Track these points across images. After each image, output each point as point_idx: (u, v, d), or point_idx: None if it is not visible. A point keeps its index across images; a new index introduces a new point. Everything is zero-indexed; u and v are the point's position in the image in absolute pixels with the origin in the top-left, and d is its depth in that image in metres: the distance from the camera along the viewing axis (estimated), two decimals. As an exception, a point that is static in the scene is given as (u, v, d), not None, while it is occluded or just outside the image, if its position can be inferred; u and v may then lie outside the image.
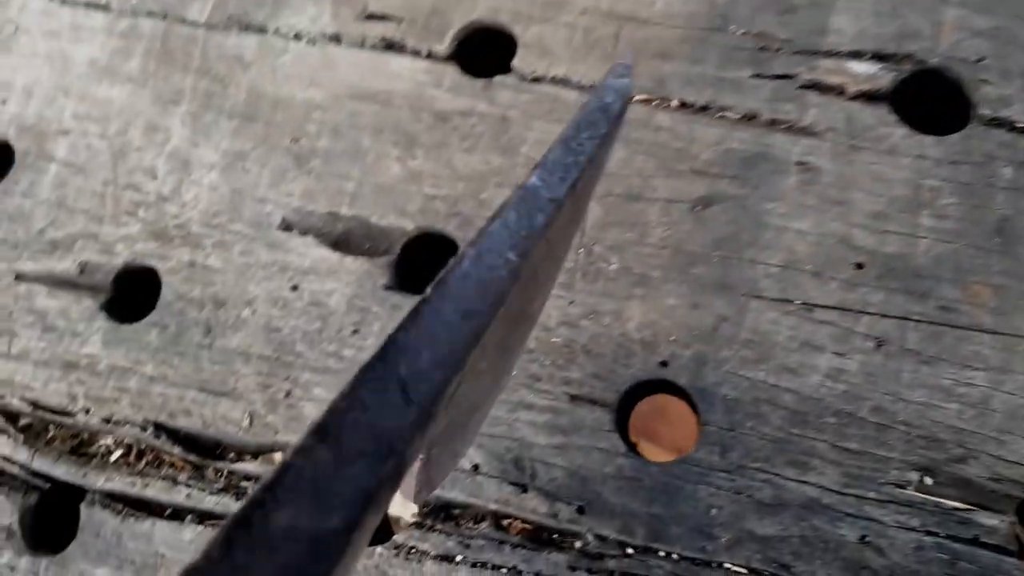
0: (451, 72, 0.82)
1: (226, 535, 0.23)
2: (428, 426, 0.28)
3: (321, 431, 0.25)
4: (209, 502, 0.74)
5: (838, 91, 0.76)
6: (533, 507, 0.69)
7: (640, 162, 0.76)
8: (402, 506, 1.01)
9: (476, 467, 0.71)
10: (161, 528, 0.73)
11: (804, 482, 0.67)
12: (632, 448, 0.69)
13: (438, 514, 0.71)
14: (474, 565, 0.68)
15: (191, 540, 0.72)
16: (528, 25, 0.82)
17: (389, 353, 0.28)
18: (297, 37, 0.87)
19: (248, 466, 0.75)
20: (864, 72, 0.76)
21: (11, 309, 0.83)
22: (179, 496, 0.74)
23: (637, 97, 0.79)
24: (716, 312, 0.71)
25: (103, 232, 0.84)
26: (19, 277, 0.84)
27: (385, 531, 0.73)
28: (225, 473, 0.75)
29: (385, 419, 0.27)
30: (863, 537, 0.65)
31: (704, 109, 0.77)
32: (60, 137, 0.88)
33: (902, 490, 0.66)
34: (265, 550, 0.23)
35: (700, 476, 0.68)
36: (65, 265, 0.83)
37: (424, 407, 0.27)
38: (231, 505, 0.73)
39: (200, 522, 0.74)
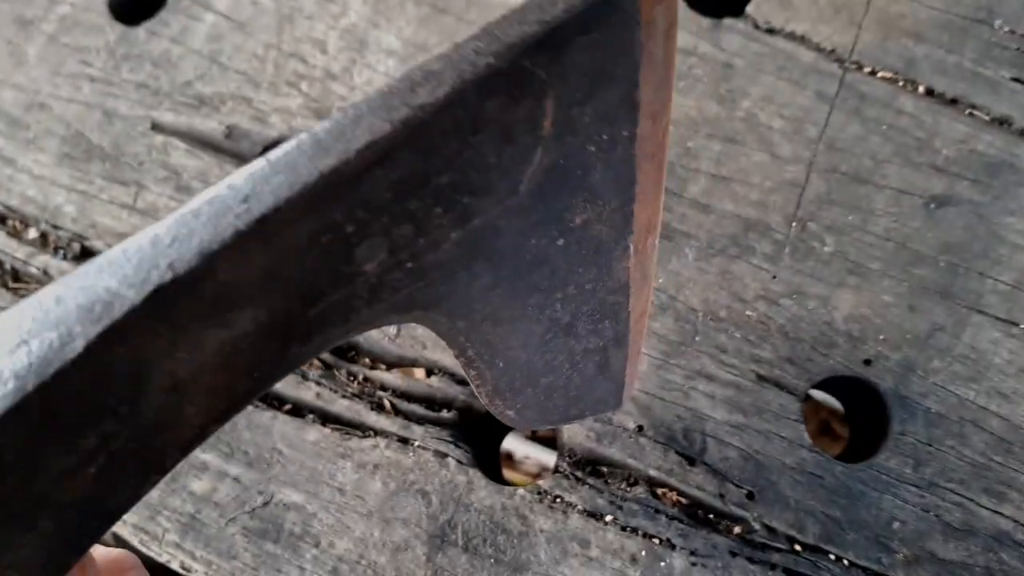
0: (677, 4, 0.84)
1: None
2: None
3: None
4: (339, 406, 0.75)
5: (1106, 112, 0.78)
6: (698, 483, 0.71)
7: (875, 143, 0.78)
8: (544, 451, 1.02)
9: (640, 428, 0.72)
10: (282, 423, 0.75)
11: (998, 513, 0.69)
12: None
13: (587, 467, 0.72)
14: (624, 528, 0.70)
15: (314, 441, 0.74)
16: (770, -28, 0.84)
17: None
18: (506, -66, 0.88)
19: (385, 375, 0.76)
20: None
21: (143, 159, 0.84)
22: (307, 393, 0.76)
23: (881, 74, 0.80)
24: (933, 319, 0.73)
25: (258, 98, 0.85)
26: (156, 127, 0.85)
27: (495, 473, 0.74)
28: (360, 378, 0.76)
29: None
30: (1061, 588, 0.67)
31: (953, 102, 0.79)
32: (222, -13, 0.89)
33: (1111, 549, 0.68)
34: None
35: (887, 486, 0.70)
36: (211, 125, 0.85)
37: None
38: (363, 412, 0.75)
39: (324, 423, 0.75)
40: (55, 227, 0.81)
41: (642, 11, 0.35)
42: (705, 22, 0.81)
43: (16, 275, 0.82)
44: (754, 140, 0.77)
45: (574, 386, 0.54)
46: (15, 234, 0.82)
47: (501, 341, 0.48)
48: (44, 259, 0.80)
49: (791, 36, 0.80)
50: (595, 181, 0.41)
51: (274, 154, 0.34)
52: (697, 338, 0.72)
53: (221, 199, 0.32)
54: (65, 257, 0.80)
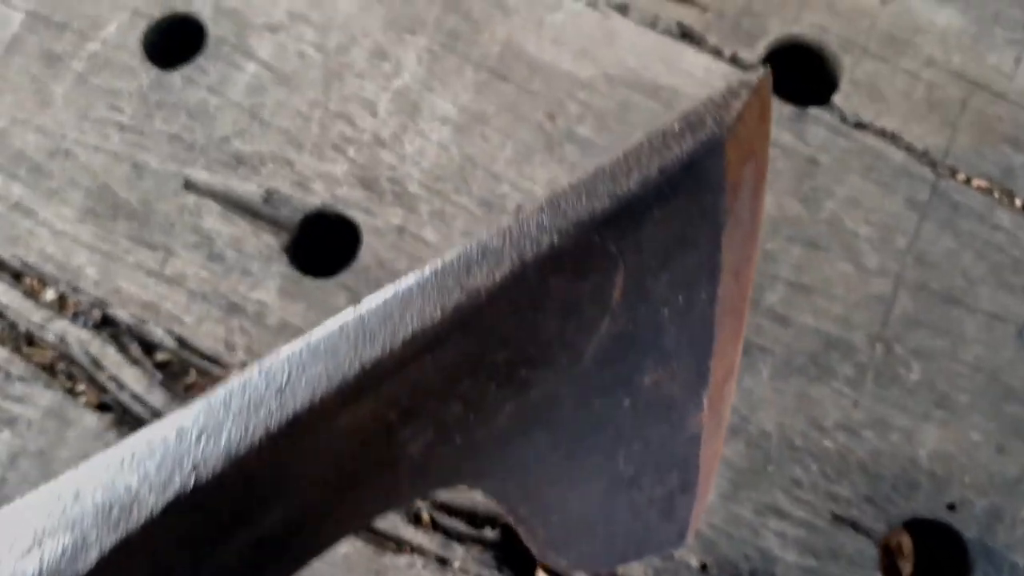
0: (756, 89, 0.79)
1: None
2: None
3: None
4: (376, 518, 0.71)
5: None
6: (765, 632, 0.67)
7: (968, 261, 0.73)
8: None
9: (704, 567, 0.68)
10: (314, 534, 0.70)
11: None
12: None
13: (646, 607, 0.68)
14: None
15: (345, 555, 0.69)
16: (860, 59, 0.79)
17: None
18: (575, -5, 0.83)
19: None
20: None
21: (173, 220, 0.79)
22: (340, 501, 0.71)
23: (976, 182, 0.76)
24: (1024, 463, 0.69)
25: (301, 161, 0.80)
26: (189, 186, 0.80)
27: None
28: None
29: None
30: None
31: (1054, 218, 0.74)
32: (266, 33, 0.84)
33: None
34: None
35: (968, 649, 0.66)
36: (248, 187, 0.80)
37: None
38: (399, 525, 0.70)
39: (356, 534, 0.71)
40: (75, 290, 0.76)
41: (728, 175, 0.33)
42: (788, 110, 0.76)
43: (31, 340, 0.77)
44: (838, 247, 0.72)
45: (636, 532, 0.51)
46: (32, 294, 0.77)
47: (556, 499, 0.45)
48: (62, 325, 0.76)
49: (881, 133, 0.75)
50: (668, 343, 0.39)
51: (315, 335, 0.32)
52: (770, 467, 0.67)
53: (254, 386, 0.31)
54: (85, 324, 0.76)
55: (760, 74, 0.34)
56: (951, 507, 0.67)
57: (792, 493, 0.68)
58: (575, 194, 0.32)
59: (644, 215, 0.33)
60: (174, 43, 0.86)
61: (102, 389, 0.75)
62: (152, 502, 0.29)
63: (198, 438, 0.30)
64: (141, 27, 0.84)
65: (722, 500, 0.68)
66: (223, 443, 0.29)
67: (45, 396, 0.74)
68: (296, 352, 0.32)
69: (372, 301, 0.32)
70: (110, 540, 0.29)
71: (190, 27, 0.85)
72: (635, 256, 0.34)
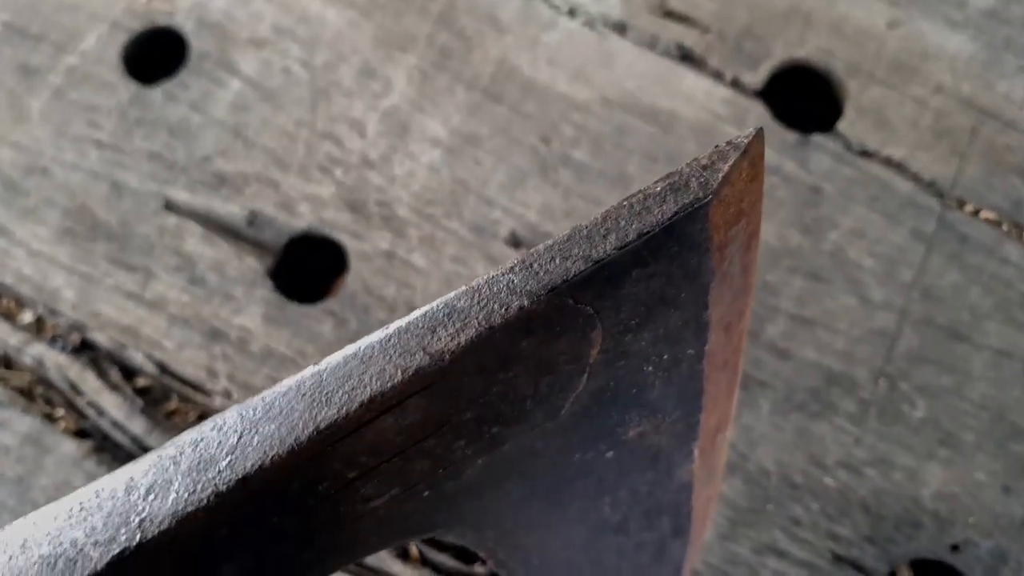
0: (759, 111, 0.78)
1: None
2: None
3: None
4: (360, 556, 0.70)
5: None
6: None
7: (975, 295, 0.73)
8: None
9: (700, 609, 0.67)
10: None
11: None
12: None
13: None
14: None
15: None
16: (867, 85, 0.78)
17: None
18: (571, 13, 0.82)
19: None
20: None
21: (153, 242, 0.78)
22: (325, 538, 0.70)
23: (984, 214, 0.75)
24: (1031, 504, 0.68)
25: (286, 182, 0.79)
26: (170, 206, 0.79)
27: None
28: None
29: None
30: None
31: (1062, 252, 0.74)
32: (251, 48, 0.83)
33: None
34: None
35: None
36: (231, 208, 0.79)
37: None
38: (386, 559, 0.69)
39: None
40: (53, 312, 0.75)
41: (714, 237, 0.33)
42: (791, 137, 0.75)
43: (8, 363, 0.76)
44: (842, 279, 0.71)
45: (626, 574, 0.51)
46: (8, 316, 0.76)
47: (537, 544, 0.45)
48: (39, 349, 0.74)
49: (887, 162, 0.74)
50: (653, 397, 0.39)
51: (270, 393, 0.32)
52: (769, 506, 0.66)
53: (205, 444, 0.31)
54: (63, 349, 0.75)
55: (750, 134, 0.34)
56: (955, 548, 0.66)
57: (792, 532, 0.67)
58: (549, 255, 0.32)
59: (621, 278, 0.33)
60: (155, 58, 0.84)
61: (81, 415, 0.74)
62: (96, 557, 0.29)
63: (146, 493, 0.30)
64: (121, 40, 0.83)
65: (720, 539, 0.67)
66: (170, 501, 0.30)
67: (23, 422, 0.73)
68: (250, 410, 0.32)
69: (333, 359, 0.32)
70: None
71: (172, 41, 0.84)
72: (613, 315, 0.34)
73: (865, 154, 0.76)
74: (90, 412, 0.74)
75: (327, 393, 0.32)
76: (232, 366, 0.75)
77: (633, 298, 0.34)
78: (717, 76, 0.79)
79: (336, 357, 0.32)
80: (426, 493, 0.37)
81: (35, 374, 0.76)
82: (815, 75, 0.80)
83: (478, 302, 0.32)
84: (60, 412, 0.75)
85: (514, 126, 0.79)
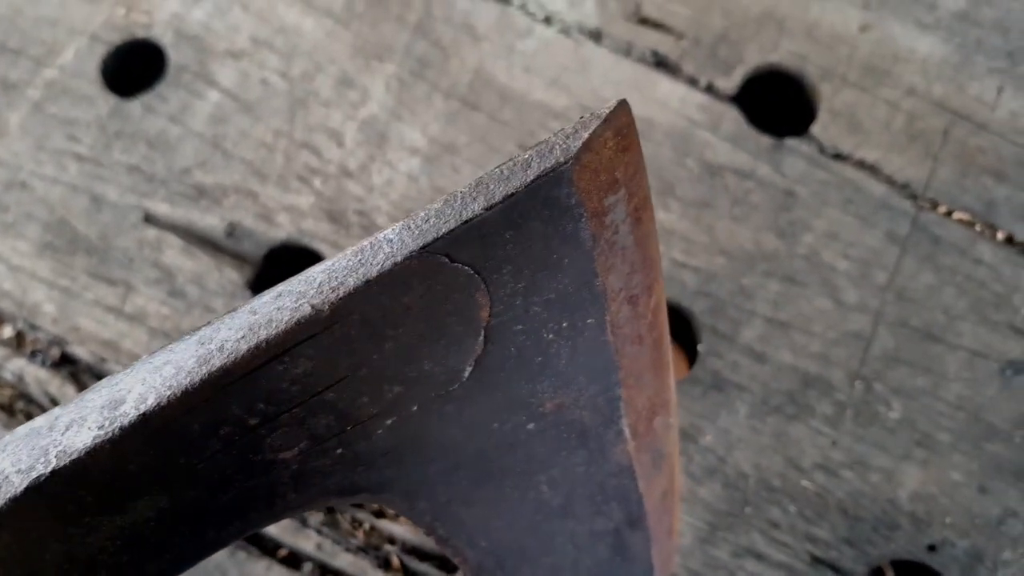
0: (733, 116, 0.79)
1: None
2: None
3: None
4: (342, 560, 0.71)
5: None
6: None
7: (948, 296, 0.74)
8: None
9: (680, 612, 0.68)
10: (277, 574, 0.70)
11: None
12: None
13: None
14: None
15: (313, 605, 0.69)
16: (839, 88, 0.80)
17: None
18: (547, 21, 0.84)
19: (393, 526, 0.72)
20: None
21: (133, 255, 0.79)
22: (307, 543, 0.71)
23: (957, 215, 0.76)
24: (1006, 504, 0.69)
25: (265, 193, 0.80)
26: (149, 219, 0.80)
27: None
28: (366, 527, 0.72)
29: None
30: None
31: (1035, 252, 0.75)
32: (229, 60, 0.84)
33: None
34: None
35: None
36: (211, 220, 0.80)
37: None
38: (368, 570, 0.70)
39: (326, 581, 0.71)
40: (33, 327, 0.76)
41: (586, 203, 0.36)
42: (765, 141, 0.76)
43: (-13, 378, 0.77)
44: (816, 282, 0.73)
45: (587, 568, 0.52)
46: (-13, 332, 0.77)
47: (477, 521, 0.47)
48: (19, 364, 0.75)
49: (860, 164, 0.76)
50: (562, 367, 0.41)
51: (175, 343, 0.36)
52: (747, 509, 0.68)
53: (118, 388, 0.35)
54: (44, 364, 0.76)
55: (612, 105, 0.36)
56: (932, 548, 0.67)
57: (770, 535, 0.68)
58: (425, 217, 0.35)
59: (494, 238, 0.35)
60: (134, 70, 0.85)
61: (59, 431, 0.75)
62: (17, 483, 0.33)
63: (64, 429, 0.34)
64: (100, 53, 0.84)
65: (698, 542, 0.68)
66: (82, 435, 0.34)
67: (3, 437, 0.73)
68: (157, 357, 0.36)
69: (229, 314, 0.36)
70: None
71: (150, 54, 0.85)
72: (495, 277, 0.37)
73: (839, 157, 0.77)
74: (72, 425, 0.75)
75: (221, 341, 0.35)
76: (213, 377, 0.76)
77: (513, 260, 0.36)
78: (692, 82, 0.81)
79: (232, 312, 0.36)
80: (339, 450, 0.40)
81: (15, 389, 0.77)
82: (788, 79, 0.81)
83: (359, 260, 0.35)
84: (42, 426, 0.76)
85: (492, 134, 0.80)
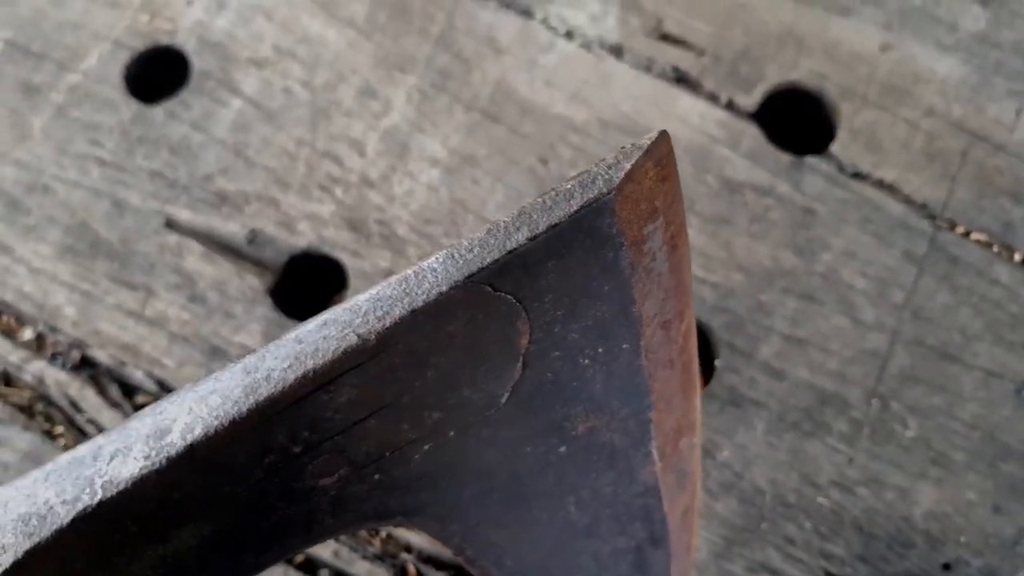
0: (753, 134, 0.80)
1: None
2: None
3: None
4: (358, 567, 0.71)
5: None
6: None
7: (965, 316, 0.75)
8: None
9: (695, 626, 0.69)
10: (294, 586, 0.71)
11: None
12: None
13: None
14: None
15: (329, 612, 0.70)
16: (859, 108, 0.80)
17: None
18: (569, 35, 0.84)
19: (410, 534, 0.72)
20: None
21: (154, 260, 0.80)
22: (323, 549, 0.72)
23: (975, 236, 0.77)
24: (1020, 524, 0.70)
25: (286, 201, 0.81)
26: (171, 224, 0.81)
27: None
28: (383, 535, 0.73)
29: None
30: None
31: (1052, 274, 0.76)
32: (252, 68, 0.85)
33: None
34: None
35: None
36: (232, 227, 0.80)
37: None
38: (385, 584, 0.71)
39: (344, 592, 0.71)
40: (53, 329, 0.76)
41: (626, 233, 0.36)
42: (785, 159, 0.77)
43: (8, 380, 0.78)
44: (834, 300, 0.73)
45: None
46: (9, 333, 0.78)
47: (506, 542, 0.48)
48: (40, 366, 0.76)
49: (879, 184, 0.76)
50: (596, 392, 0.42)
51: (221, 372, 0.36)
52: (763, 525, 0.68)
53: (163, 416, 0.35)
54: (64, 366, 0.76)
55: (653, 135, 0.37)
56: (946, 567, 0.68)
57: (785, 551, 0.68)
58: (469, 247, 0.36)
59: (537, 267, 0.36)
60: (157, 77, 0.86)
61: (81, 432, 0.75)
62: (63, 514, 0.34)
63: (109, 459, 0.34)
64: (123, 59, 0.85)
65: (714, 557, 0.69)
66: (128, 465, 0.34)
67: (23, 439, 0.74)
68: (203, 386, 0.36)
69: (275, 342, 0.36)
70: (24, 546, 0.34)
71: (173, 60, 0.86)
72: (537, 305, 0.37)
73: (857, 176, 0.78)
74: (90, 429, 0.76)
75: (267, 370, 0.35)
76: (232, 384, 0.76)
77: (554, 289, 0.37)
78: (712, 99, 0.81)
79: (278, 341, 0.36)
80: (376, 476, 0.40)
81: (35, 391, 0.78)
82: (808, 97, 0.82)
83: (404, 290, 0.35)
84: (60, 429, 0.76)
85: (512, 147, 0.81)
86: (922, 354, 0.73)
